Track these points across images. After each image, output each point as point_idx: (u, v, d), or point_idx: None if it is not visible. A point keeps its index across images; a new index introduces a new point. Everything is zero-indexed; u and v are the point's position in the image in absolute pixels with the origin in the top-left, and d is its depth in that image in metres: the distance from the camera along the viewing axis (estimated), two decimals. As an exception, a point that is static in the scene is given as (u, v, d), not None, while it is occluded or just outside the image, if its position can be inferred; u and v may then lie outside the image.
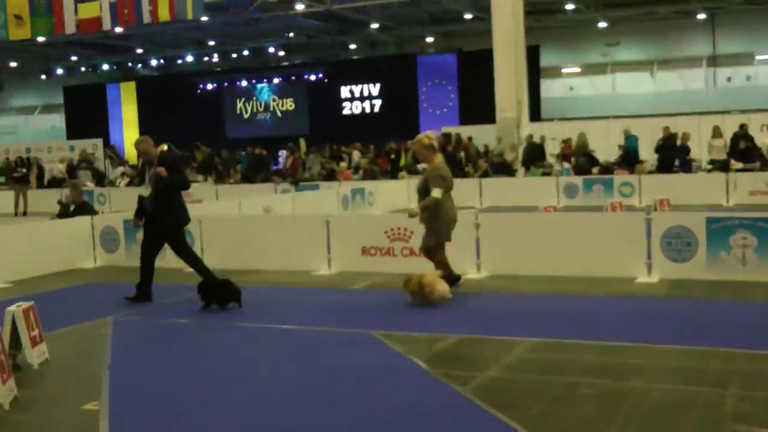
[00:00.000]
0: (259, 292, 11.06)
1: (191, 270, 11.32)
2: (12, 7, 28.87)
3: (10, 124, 52.18)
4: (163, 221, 10.90)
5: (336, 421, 6.08)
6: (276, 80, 43.32)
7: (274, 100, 43.19)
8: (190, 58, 43.15)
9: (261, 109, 43.44)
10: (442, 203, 10.31)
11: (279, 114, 42.95)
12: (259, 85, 43.58)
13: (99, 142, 32.69)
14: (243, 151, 30.19)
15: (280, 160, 29.38)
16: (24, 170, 27.12)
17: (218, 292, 10.26)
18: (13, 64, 45.00)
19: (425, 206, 10.27)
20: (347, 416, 6.17)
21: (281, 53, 43.15)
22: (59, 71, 45.95)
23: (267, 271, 12.88)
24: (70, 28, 28.97)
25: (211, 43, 41.26)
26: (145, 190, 10.91)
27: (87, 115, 44.80)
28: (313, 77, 41.84)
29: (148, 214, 10.95)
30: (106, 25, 28.54)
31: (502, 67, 26.95)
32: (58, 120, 48.81)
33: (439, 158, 10.73)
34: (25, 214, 25.01)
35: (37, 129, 50.03)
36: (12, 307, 7.84)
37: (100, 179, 28.58)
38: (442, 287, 9.82)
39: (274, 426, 6.06)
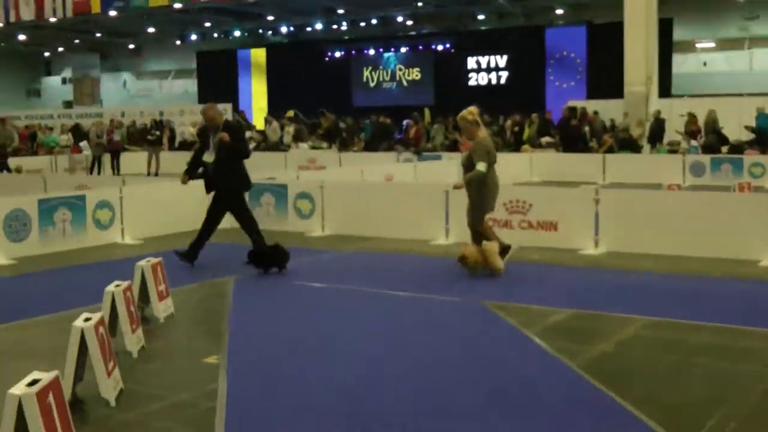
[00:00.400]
0: (377, 259, 11.29)
1: (314, 234, 11.60)
2: (152, -26, 29.90)
3: (145, 87, 53.95)
4: (223, 185, 11.15)
5: (445, 386, 6.24)
6: (403, 49, 43.39)
7: (400, 69, 43.30)
8: (319, 26, 43.62)
9: (387, 78, 43.63)
10: (487, 176, 10.40)
11: (405, 83, 43.05)
12: (386, 54, 43.75)
13: (228, 106, 33.40)
14: (367, 119, 30.45)
15: (405, 129, 29.55)
16: (157, 132, 28.09)
17: (270, 257, 10.58)
18: (150, 30, 46.38)
19: (470, 179, 10.38)
20: (460, 383, 6.32)
21: (409, 22, 43.17)
22: (193, 37, 47.11)
23: (385, 238, 13.09)
24: (205, -7, 29.81)
25: (341, 11, 41.61)
26: (209, 156, 11.11)
27: (218, 80, 45.86)
28: (440, 47, 41.74)
29: (210, 179, 11.22)
30: (239, -9, 29.24)
31: (632, 40, 26.45)
32: (191, 84, 50.15)
33: (483, 133, 10.79)
34: (156, 174, 25.95)
35: (170, 93, 51.52)
36: (141, 263, 8.26)
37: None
38: (499, 261, 10.08)
39: (391, 388, 6.25)
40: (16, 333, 8.06)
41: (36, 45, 53.12)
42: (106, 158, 26.38)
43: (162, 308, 8.32)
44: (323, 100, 36.06)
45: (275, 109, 37.64)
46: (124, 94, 53.72)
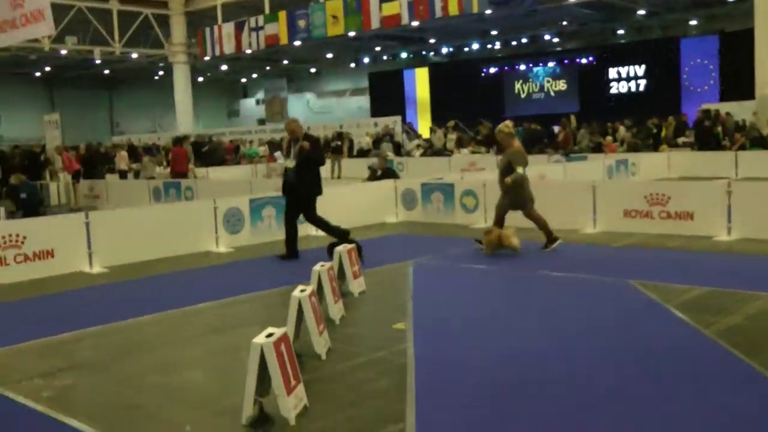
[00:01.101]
0: (531, 247, 11.58)
1: (477, 226, 11.92)
2: (330, 9, 31.00)
3: (326, 105, 55.52)
4: (300, 190, 11.43)
5: (600, 350, 6.57)
6: (550, 64, 43.16)
7: (548, 82, 43.11)
8: (475, 46, 43.86)
9: (536, 90, 43.50)
10: (524, 176, 11.43)
11: (552, 94, 42.81)
12: (535, 69, 43.63)
13: (398, 119, 34.14)
14: (519, 127, 30.49)
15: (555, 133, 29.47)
16: (339, 143, 29.12)
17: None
18: (329, 56, 47.78)
19: (515, 179, 11.20)
20: (613, 347, 6.61)
21: (555, 40, 42.86)
22: (365, 60, 48.25)
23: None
24: (375, 23, 30.62)
25: (494, 32, 41.72)
26: (290, 163, 11.41)
27: (387, 96, 46.80)
28: (583, 60, 41.28)
29: (290, 184, 11.48)
30: (405, 20, 29.89)
31: (762, 45, 25.55)
32: (364, 101, 51.29)
33: (517, 142, 11.80)
34: (338, 177, 26.93)
35: (347, 109, 52.86)
36: (339, 248, 8.93)
37: (398, 150, 29.97)
38: (516, 240, 11.01)
39: (553, 354, 6.61)
40: (241, 306, 8.88)
41: (235, 73, 55.57)
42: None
43: (356, 285, 8.96)
44: (480, 111, 36.35)
45: (437, 120, 38.15)
46: (308, 111, 55.46)
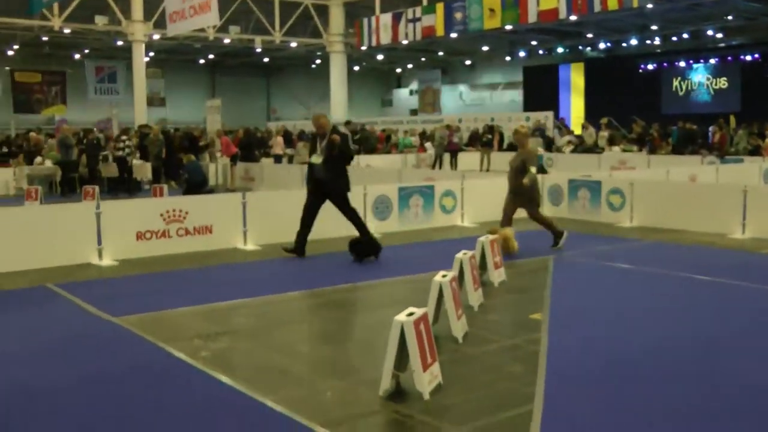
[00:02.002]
0: (677, 248, 11.47)
1: (623, 225, 11.83)
2: (487, 2, 31.11)
3: (478, 97, 55.56)
4: (332, 186, 11.13)
5: (737, 355, 6.61)
6: (712, 60, 41.62)
7: (708, 79, 41.62)
8: (633, 42, 42.81)
9: (695, 88, 42.08)
10: (535, 178, 11.71)
11: (711, 92, 41.34)
12: (695, 65, 42.19)
13: (550, 114, 33.92)
14: (674, 126, 29.76)
15: (709, 134, 28.58)
16: (489, 136, 29.29)
17: (365, 246, 10.95)
18: (484, 49, 47.83)
19: (531, 179, 11.34)
20: (751, 352, 6.65)
21: (719, 35, 41.32)
22: (521, 54, 47.96)
23: (687, 231, 13.16)
24: (532, 17, 30.49)
25: (654, 27, 40.63)
26: (317, 158, 11.13)
27: (541, 91, 46.45)
28: (748, 57, 39.61)
29: (315, 180, 11.21)
30: (563, 14, 29.62)
31: None
32: (517, 95, 51.05)
33: (531, 143, 12.21)
34: (487, 170, 27.14)
35: (500, 102, 52.75)
36: (482, 238, 9.22)
37: (548, 146, 29.82)
38: (516, 244, 11.14)
39: (686, 347, 6.71)
40: (387, 288, 9.31)
41: (390, 63, 56.45)
42: (446, 157, 27.93)
43: (497, 275, 9.22)
44: (635, 108, 35.56)
45: (591, 116, 37.58)
46: (460, 103, 55.67)
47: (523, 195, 11.55)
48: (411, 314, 5.48)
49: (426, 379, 5.47)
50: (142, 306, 8.22)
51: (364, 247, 10.90)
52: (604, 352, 6.54)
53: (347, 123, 26.34)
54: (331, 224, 12.14)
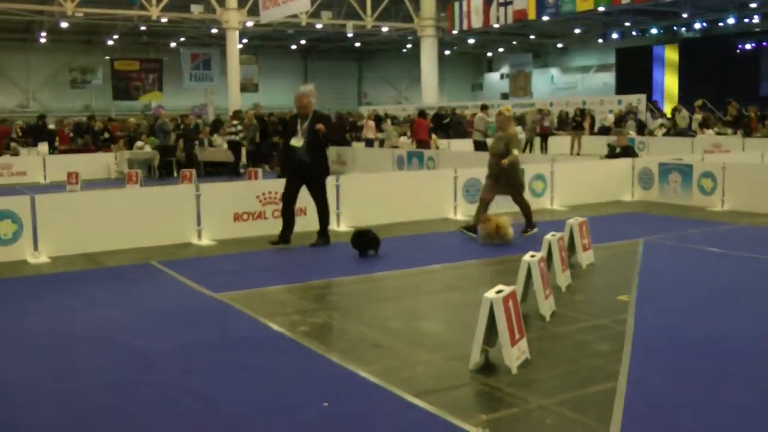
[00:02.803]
0: (765, 234, 11.33)
1: (714, 209, 11.76)
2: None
3: (570, 80, 54.94)
4: (314, 170, 10.81)
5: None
6: (815, 39, 40.31)
7: (812, 59, 40.32)
8: (731, 21, 41.65)
9: (797, 67, 40.83)
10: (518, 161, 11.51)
11: (816, 72, 40.04)
12: (796, 45, 40.95)
13: (642, 97, 33.37)
14: (772, 109, 28.97)
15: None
16: (579, 119, 29.05)
17: (367, 240, 10.22)
18: (576, 31, 47.25)
19: (512, 161, 11.17)
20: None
21: (823, 13, 39.85)
22: (614, 35, 47.16)
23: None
24: (627, -2, 30.09)
25: (753, 5, 39.42)
26: (298, 141, 10.69)
27: (634, 73, 45.63)
28: None
29: (296, 163, 10.78)
30: (660, -7, 29.12)
31: None
32: (609, 77, 50.28)
33: (514, 126, 11.99)
34: (578, 154, 26.95)
35: (591, 85, 52.04)
36: (571, 220, 9.33)
37: (641, 129, 29.38)
38: (512, 230, 10.92)
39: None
40: (475, 269, 9.53)
41: (481, 47, 56.23)
42: (537, 141, 27.84)
43: (585, 257, 9.33)
44: (731, 89, 34.65)
45: (685, 99, 36.79)
46: (552, 86, 55.15)
47: (505, 179, 11.37)
48: (500, 292, 5.70)
49: (514, 354, 5.68)
50: (241, 283, 8.65)
51: (366, 241, 10.21)
52: (691, 334, 6.61)
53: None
54: (412, 206, 12.44)
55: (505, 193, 11.71)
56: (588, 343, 6.40)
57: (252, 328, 6.98)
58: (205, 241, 11.43)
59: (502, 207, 12.43)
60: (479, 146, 22.67)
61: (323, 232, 11.10)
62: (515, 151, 11.28)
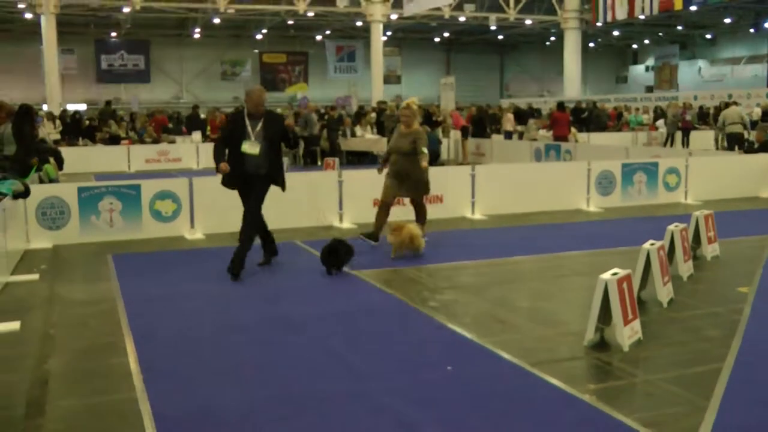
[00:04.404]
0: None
1: None
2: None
3: (718, 73, 53.33)
4: (270, 181, 8.98)
5: None
6: None
7: None
8: None
9: None
10: None
11: None
12: None
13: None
14: None
15: None
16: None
17: (337, 256, 8.82)
18: (726, 21, 45.96)
19: (428, 159, 10.33)
20: None
21: None
22: (767, 24, 45.54)
23: None
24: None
25: None
26: (252, 147, 8.70)
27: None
28: None
29: (245, 174, 8.77)
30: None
31: None
32: (761, 69, 48.56)
33: (418, 122, 10.84)
34: (718, 149, 26.38)
35: (741, 77, 50.37)
36: (697, 213, 9.58)
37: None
38: (423, 241, 9.92)
39: None
40: (604, 257, 9.92)
41: (625, 39, 55.40)
42: (678, 135, 27.45)
43: (710, 250, 9.55)
44: None
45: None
46: (699, 79, 53.69)
47: (413, 180, 10.42)
48: (615, 274, 6.16)
49: (626, 333, 6.13)
50: (377, 262, 9.39)
51: (336, 258, 8.83)
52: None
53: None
54: (546, 197, 12.85)
55: (408, 195, 10.74)
56: (700, 329, 6.75)
57: (385, 302, 7.69)
58: (346, 224, 12.25)
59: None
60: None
61: (273, 247, 9.44)
62: (425, 150, 10.24)
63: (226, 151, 8.80)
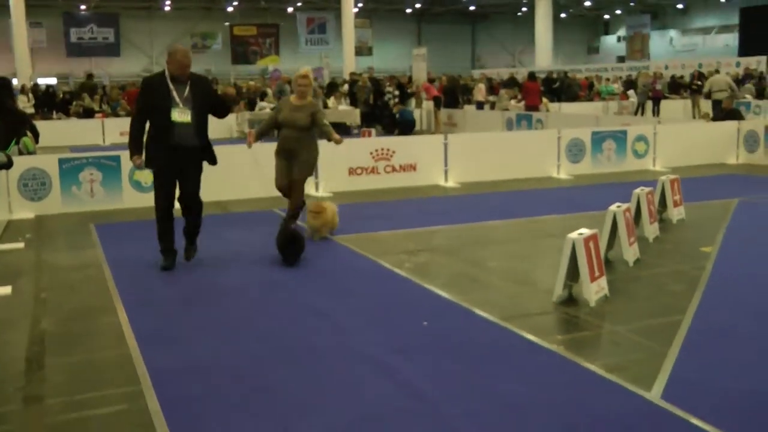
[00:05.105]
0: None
1: None
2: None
3: (689, 42, 53.92)
4: (202, 155, 7.80)
5: None
6: None
7: None
8: None
9: None
10: None
11: None
12: None
13: (763, 59, 32.85)
14: None
15: None
16: (699, 83, 28.71)
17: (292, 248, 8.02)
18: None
19: (338, 138, 9.37)
20: None
21: None
22: (737, -5, 46.15)
23: None
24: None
25: None
26: (181, 114, 7.48)
27: (759, 34, 44.37)
28: None
29: (174, 148, 7.51)
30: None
31: None
32: (732, 39, 49.14)
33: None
34: (694, 117, 26.85)
35: (713, 47, 50.94)
36: (663, 177, 10.00)
37: (761, 93, 28.92)
38: (337, 219, 9.38)
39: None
40: (573, 220, 10.29)
41: (597, 9, 55.78)
42: (648, 104, 27.92)
43: (675, 213, 9.97)
44: None
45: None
46: (670, 49, 54.24)
47: (304, 159, 9.38)
48: (581, 234, 6.53)
49: (593, 289, 6.51)
50: (354, 228, 9.71)
51: (296, 250, 8.02)
52: (765, 281, 7.23)
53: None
54: (517, 164, 13.21)
55: (292, 177, 9.39)
56: (664, 285, 7.16)
57: (362, 264, 8.06)
58: (322, 193, 12.56)
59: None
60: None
61: (194, 240, 8.18)
62: (326, 121, 9.42)
63: (145, 129, 7.57)
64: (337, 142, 9.41)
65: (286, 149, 9.40)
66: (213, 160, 7.88)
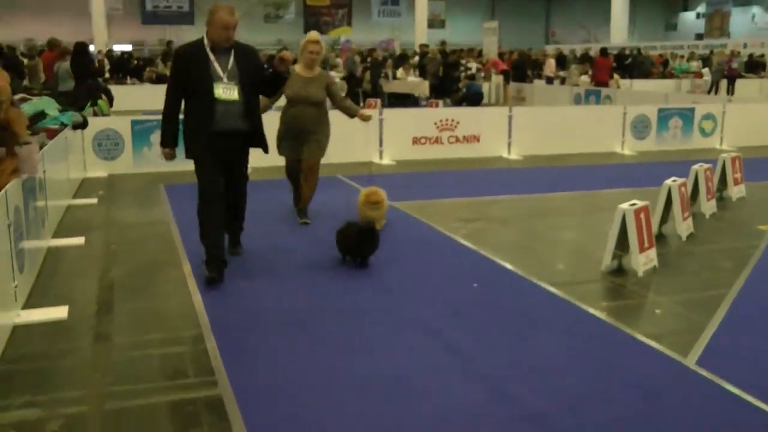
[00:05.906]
0: None
1: None
2: None
3: (772, 21, 52.44)
4: (253, 141, 6.60)
5: None
6: None
7: None
8: None
9: None
10: None
11: None
12: None
13: None
14: None
15: None
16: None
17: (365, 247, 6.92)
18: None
19: (368, 115, 8.58)
20: None
21: None
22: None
23: None
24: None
25: None
26: (226, 91, 6.21)
27: None
28: None
29: (216, 133, 6.27)
30: None
31: None
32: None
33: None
34: None
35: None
36: (724, 155, 10.03)
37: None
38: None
39: None
40: (634, 195, 10.38)
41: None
42: (723, 84, 27.45)
43: (736, 191, 9.99)
44: None
45: None
46: (752, 27, 52.83)
47: (318, 138, 8.22)
48: (633, 204, 6.67)
49: (641, 260, 6.66)
50: (415, 195, 9.99)
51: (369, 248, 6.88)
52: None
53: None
54: (582, 139, 13.28)
55: (305, 158, 8.26)
56: (714, 261, 7.25)
57: (419, 229, 8.31)
58: (386, 161, 12.83)
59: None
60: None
61: (238, 240, 7.30)
62: (343, 94, 8.26)
63: (180, 108, 6.44)
64: (364, 119, 8.49)
65: (298, 128, 8.16)
66: (266, 148, 6.79)
